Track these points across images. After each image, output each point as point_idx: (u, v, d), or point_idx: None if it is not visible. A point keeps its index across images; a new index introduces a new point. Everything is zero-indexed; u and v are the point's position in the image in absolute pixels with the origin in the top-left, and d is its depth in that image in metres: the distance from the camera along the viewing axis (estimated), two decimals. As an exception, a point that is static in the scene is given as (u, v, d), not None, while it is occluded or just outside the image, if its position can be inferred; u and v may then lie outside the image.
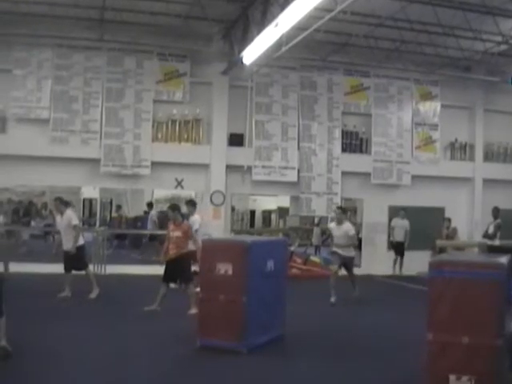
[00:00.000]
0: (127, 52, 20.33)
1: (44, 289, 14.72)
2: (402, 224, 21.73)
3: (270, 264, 10.62)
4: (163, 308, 13.11)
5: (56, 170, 19.80)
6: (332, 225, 16.42)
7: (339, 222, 15.75)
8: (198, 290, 13.13)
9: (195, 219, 15.84)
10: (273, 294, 10.63)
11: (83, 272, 14.99)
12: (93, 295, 14.67)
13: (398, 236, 21.79)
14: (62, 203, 15.29)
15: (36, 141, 19.60)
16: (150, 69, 20.52)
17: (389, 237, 22.29)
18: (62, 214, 14.91)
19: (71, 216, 15.08)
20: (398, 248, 21.88)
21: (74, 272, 14.88)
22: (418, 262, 20.18)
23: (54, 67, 19.92)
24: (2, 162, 19.23)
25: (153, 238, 23.36)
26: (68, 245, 14.73)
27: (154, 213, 22.96)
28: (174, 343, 10.57)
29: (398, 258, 21.90)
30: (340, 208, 16.84)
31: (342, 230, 15.53)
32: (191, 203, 16.47)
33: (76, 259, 14.78)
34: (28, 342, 9.96)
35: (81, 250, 14.97)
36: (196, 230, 15.29)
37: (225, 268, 10.04)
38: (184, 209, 16.33)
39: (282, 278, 11.27)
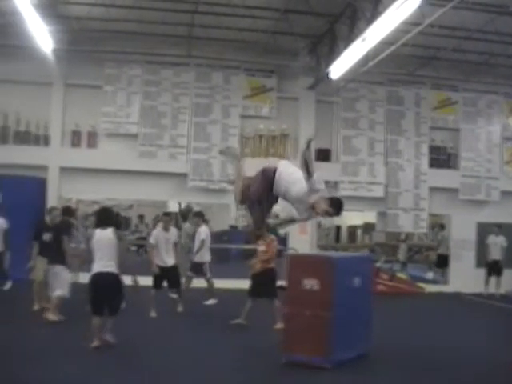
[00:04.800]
0: (215, 68, 20.57)
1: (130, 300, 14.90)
2: (497, 241, 21.05)
3: (356, 280, 10.54)
4: (249, 322, 13.17)
5: (144, 184, 20.18)
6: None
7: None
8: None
9: (202, 230, 16.24)
10: (359, 310, 10.53)
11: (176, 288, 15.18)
12: (180, 309, 14.83)
13: (494, 254, 20.91)
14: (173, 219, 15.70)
15: (125, 155, 20.03)
16: (237, 84, 20.71)
17: (480, 255, 21.68)
18: (168, 230, 15.00)
19: (176, 234, 15.39)
20: (494, 267, 20.90)
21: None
22: (507, 281, 19.85)
23: (144, 83, 20.32)
24: (93, 175, 19.73)
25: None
26: (171, 260, 14.88)
27: (187, 226, 21.96)
28: (259, 357, 10.58)
29: (493, 278, 21.03)
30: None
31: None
32: (199, 215, 16.85)
33: (176, 276, 15.00)
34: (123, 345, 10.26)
35: (178, 267, 15.21)
36: (203, 241, 15.92)
37: (311, 283, 10.00)
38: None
39: (368, 294, 11.17)
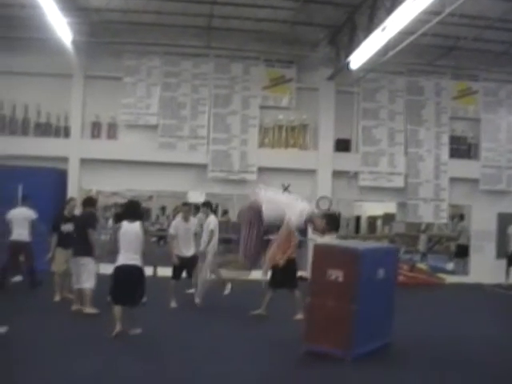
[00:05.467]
0: (234, 58, 20.57)
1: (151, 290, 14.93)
2: None
3: (381, 272, 10.47)
4: (269, 313, 13.19)
5: (164, 175, 20.26)
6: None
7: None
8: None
9: (211, 220, 15.79)
10: (382, 302, 10.47)
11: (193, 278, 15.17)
12: (197, 300, 14.84)
13: None
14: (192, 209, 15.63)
15: (145, 146, 20.12)
16: (257, 75, 20.69)
17: (501, 245, 21.43)
18: (188, 220, 14.94)
19: (196, 224, 15.39)
20: None
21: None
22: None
23: (163, 74, 20.36)
24: (112, 166, 19.86)
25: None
26: (190, 251, 14.89)
27: (200, 216, 20.17)
28: (279, 348, 10.59)
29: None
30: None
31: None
32: (207, 205, 16.47)
33: (194, 265, 14.99)
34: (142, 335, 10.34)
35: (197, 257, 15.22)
36: (212, 231, 15.44)
37: (335, 274, 9.96)
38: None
39: (392, 287, 11.11)
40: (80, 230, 13.21)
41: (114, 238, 11.27)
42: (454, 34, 18.85)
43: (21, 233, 15.55)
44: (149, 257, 11.66)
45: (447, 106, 21.75)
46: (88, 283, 12.95)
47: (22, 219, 15.58)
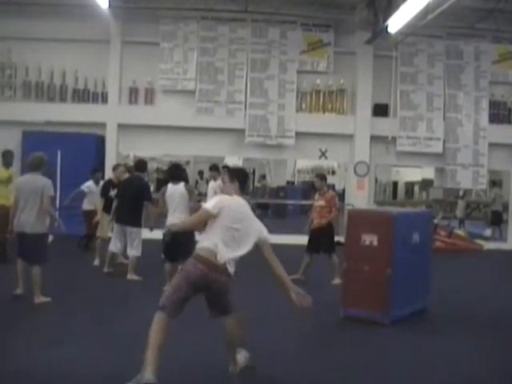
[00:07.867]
0: (271, 23, 20.45)
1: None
2: None
3: (415, 236, 10.44)
4: (307, 277, 13.20)
5: (201, 140, 20.37)
6: None
7: None
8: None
9: (219, 185, 15.50)
10: (418, 266, 10.46)
11: None
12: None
13: None
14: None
15: (182, 112, 20.16)
16: (294, 39, 20.56)
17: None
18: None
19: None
20: None
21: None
22: None
23: (200, 39, 20.32)
24: (150, 132, 19.97)
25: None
26: None
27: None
28: (317, 312, 10.53)
29: None
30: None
31: None
32: (215, 168, 16.33)
33: None
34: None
35: None
36: None
37: (370, 239, 9.97)
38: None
39: (427, 251, 11.09)
40: (129, 198, 12.96)
41: (162, 201, 11.93)
42: (494, -4, 18.56)
43: (86, 202, 16.17)
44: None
45: (487, 70, 21.39)
46: (135, 251, 13.11)
47: (87, 191, 16.07)
